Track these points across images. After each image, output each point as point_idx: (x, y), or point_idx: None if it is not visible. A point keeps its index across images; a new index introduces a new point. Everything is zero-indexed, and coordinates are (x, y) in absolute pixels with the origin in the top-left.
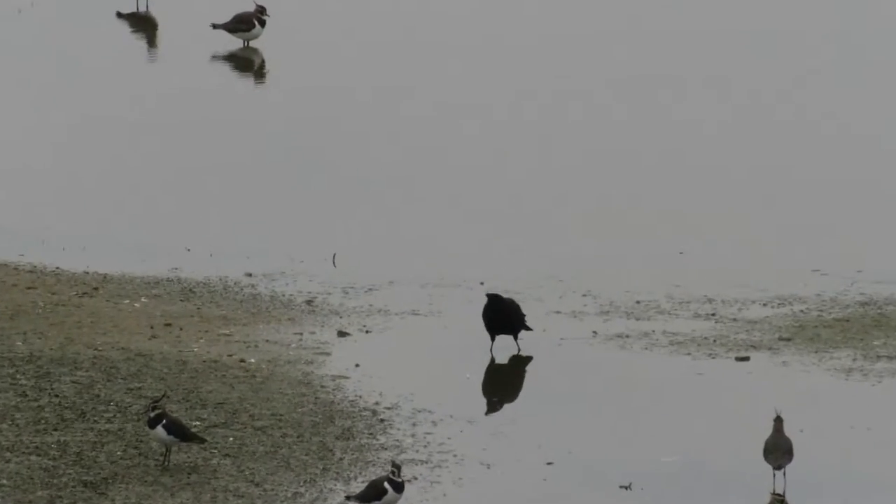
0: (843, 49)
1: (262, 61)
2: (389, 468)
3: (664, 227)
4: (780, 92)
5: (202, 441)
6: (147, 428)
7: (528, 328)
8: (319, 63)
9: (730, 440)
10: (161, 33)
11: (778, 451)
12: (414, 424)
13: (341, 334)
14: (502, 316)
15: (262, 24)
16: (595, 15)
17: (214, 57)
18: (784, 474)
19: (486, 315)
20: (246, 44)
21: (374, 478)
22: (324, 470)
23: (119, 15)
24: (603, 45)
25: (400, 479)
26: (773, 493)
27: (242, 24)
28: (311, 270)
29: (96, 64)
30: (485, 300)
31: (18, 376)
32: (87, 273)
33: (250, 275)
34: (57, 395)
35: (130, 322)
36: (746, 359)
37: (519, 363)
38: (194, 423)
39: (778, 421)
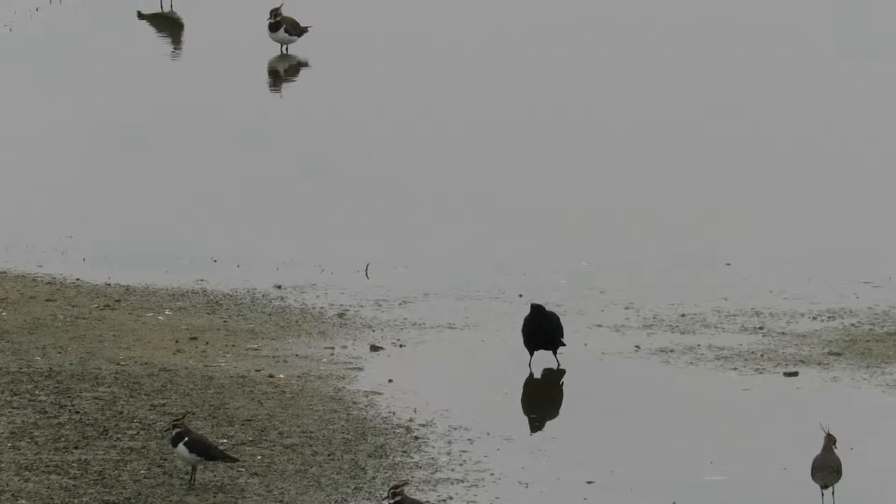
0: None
1: (291, 67)
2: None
3: (711, 238)
4: (833, 101)
5: (232, 460)
6: (170, 446)
7: (563, 343)
8: (352, 72)
9: (777, 458)
10: (186, 34)
11: (825, 469)
12: (449, 442)
13: (374, 348)
14: (545, 328)
15: (275, 27)
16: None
17: (244, 61)
18: (832, 493)
19: (527, 328)
20: (283, 49)
21: None
22: (356, 489)
23: (140, 16)
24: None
25: (392, 501)
26: None
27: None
28: (342, 282)
29: (117, 67)
30: (525, 312)
31: (38, 392)
32: (109, 285)
33: (279, 286)
34: (78, 412)
35: (154, 336)
36: (795, 374)
37: (558, 379)
38: (221, 441)
39: (828, 438)
